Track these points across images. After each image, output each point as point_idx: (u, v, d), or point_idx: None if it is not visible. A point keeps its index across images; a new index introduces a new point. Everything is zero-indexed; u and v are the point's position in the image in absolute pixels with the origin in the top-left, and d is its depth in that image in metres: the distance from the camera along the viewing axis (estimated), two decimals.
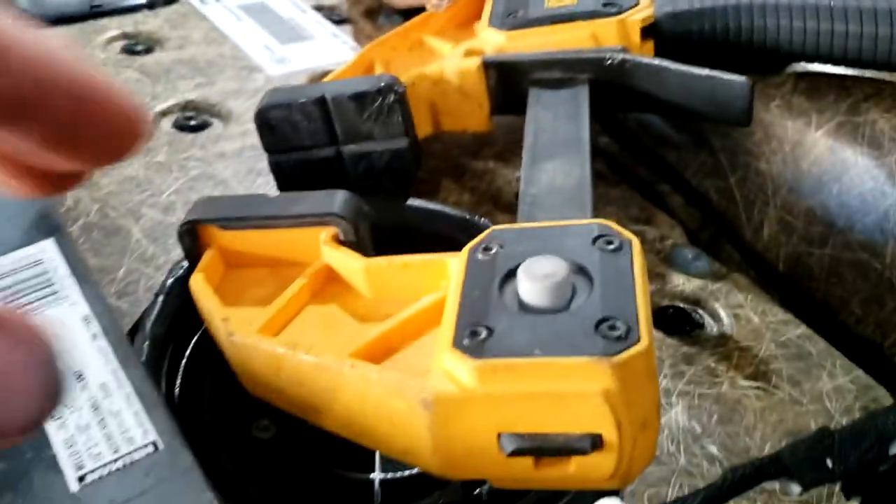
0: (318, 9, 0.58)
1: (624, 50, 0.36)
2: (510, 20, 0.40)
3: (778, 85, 0.39)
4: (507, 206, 0.39)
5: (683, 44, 0.39)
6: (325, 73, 0.41)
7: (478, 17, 0.43)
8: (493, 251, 0.23)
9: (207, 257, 0.28)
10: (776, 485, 0.28)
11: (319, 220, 0.27)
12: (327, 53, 0.52)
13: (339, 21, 0.57)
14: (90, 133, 0.13)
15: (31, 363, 0.12)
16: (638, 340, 0.19)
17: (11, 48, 0.11)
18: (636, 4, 0.39)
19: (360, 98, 0.34)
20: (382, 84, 0.34)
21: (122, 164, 0.40)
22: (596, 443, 0.19)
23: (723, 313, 0.34)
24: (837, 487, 0.28)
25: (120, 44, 0.53)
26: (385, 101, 0.34)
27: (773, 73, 0.39)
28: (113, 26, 0.54)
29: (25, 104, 0.12)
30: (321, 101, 0.34)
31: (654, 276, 0.36)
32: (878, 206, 0.34)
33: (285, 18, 0.56)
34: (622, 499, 0.26)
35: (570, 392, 0.18)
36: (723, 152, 0.40)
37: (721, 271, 0.36)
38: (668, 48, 0.38)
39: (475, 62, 0.38)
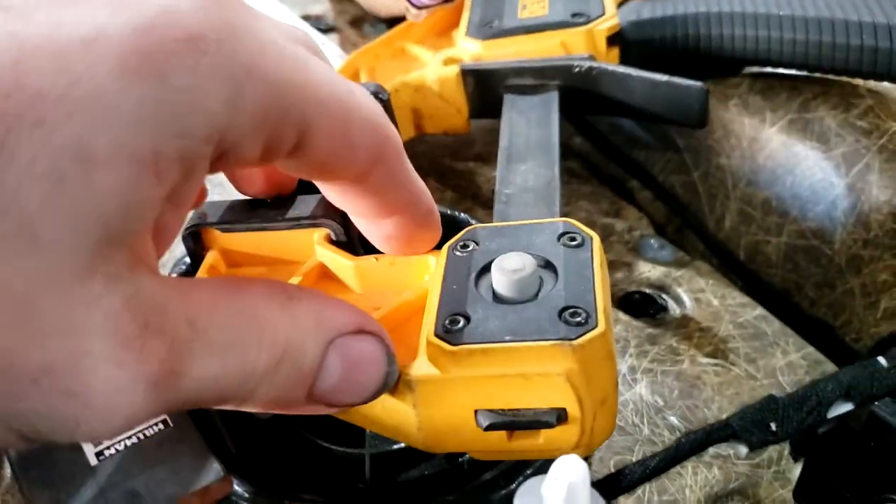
0: (306, 18, 0.61)
1: (591, 58, 0.39)
2: (486, 30, 0.43)
3: (736, 86, 0.42)
4: (485, 202, 0.42)
5: (646, 50, 0.41)
6: None
7: (455, 25, 0.45)
8: (470, 248, 0.25)
9: (210, 258, 0.30)
10: (731, 451, 0.30)
11: (313, 222, 0.30)
12: None
13: (325, 30, 0.60)
14: (420, 240, 0.24)
15: (380, 356, 0.19)
16: (596, 326, 0.21)
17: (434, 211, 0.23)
18: (602, 14, 0.41)
19: None
20: (369, 92, 0.37)
21: None
22: (561, 417, 0.21)
23: (685, 297, 0.37)
24: (786, 451, 0.30)
25: None
26: None
27: (730, 76, 0.42)
28: None
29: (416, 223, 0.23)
30: None
31: (622, 264, 0.39)
32: (827, 195, 0.37)
33: None
34: (590, 465, 0.28)
35: (537, 373, 0.21)
36: (687, 150, 0.43)
37: (684, 259, 0.39)
38: (633, 54, 0.41)
39: (454, 70, 0.40)
